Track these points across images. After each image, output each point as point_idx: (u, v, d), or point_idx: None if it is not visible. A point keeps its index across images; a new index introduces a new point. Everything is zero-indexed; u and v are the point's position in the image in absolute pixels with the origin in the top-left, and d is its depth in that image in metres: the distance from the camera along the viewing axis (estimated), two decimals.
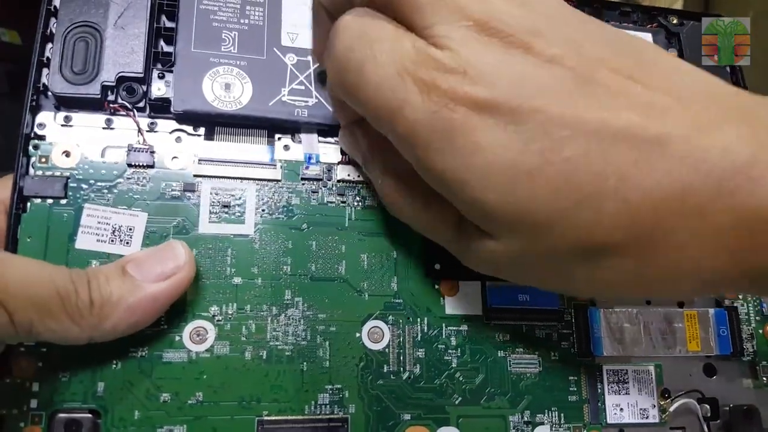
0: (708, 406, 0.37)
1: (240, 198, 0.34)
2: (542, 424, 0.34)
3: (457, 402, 0.34)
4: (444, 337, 0.35)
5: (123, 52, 0.34)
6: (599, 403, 0.36)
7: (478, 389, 0.34)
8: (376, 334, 0.34)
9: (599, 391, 0.36)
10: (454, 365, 0.34)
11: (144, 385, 0.31)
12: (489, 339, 0.35)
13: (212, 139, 0.35)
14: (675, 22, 0.42)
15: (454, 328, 0.35)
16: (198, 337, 0.32)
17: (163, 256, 0.30)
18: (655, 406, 0.36)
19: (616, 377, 0.36)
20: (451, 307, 0.35)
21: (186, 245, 0.31)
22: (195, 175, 0.34)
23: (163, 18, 0.36)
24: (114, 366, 0.31)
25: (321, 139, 0.36)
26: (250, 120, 0.35)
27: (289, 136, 0.36)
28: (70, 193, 0.32)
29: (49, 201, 0.32)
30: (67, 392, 0.30)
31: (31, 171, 0.33)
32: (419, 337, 0.34)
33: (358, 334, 0.34)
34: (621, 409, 0.36)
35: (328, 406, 0.33)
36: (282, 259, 0.34)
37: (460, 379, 0.34)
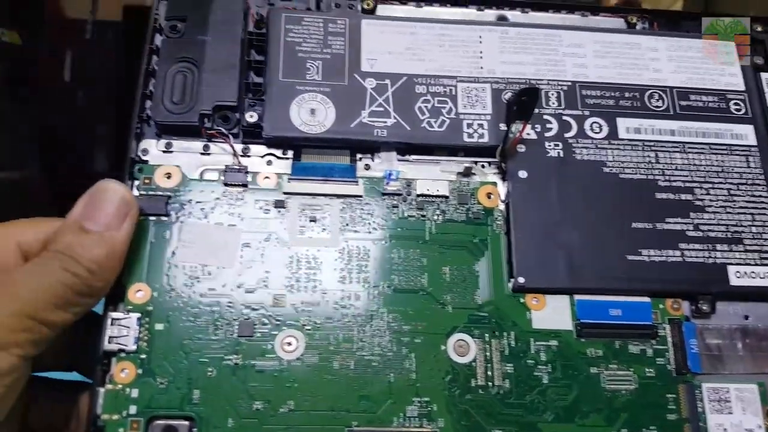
0: None
1: (325, 213, 0.36)
2: None
3: (550, 419, 0.33)
4: (533, 352, 0.34)
5: (218, 83, 0.37)
6: (700, 422, 0.33)
7: (571, 406, 0.33)
8: (461, 348, 0.34)
9: (700, 410, 0.34)
10: (545, 381, 0.33)
11: (238, 393, 0.31)
12: (580, 355, 0.34)
13: (300, 159, 0.37)
14: (760, 29, 0.42)
15: (543, 343, 0.34)
16: (289, 346, 0.33)
17: (105, 199, 0.31)
18: (761, 426, 0.33)
19: (717, 396, 0.34)
20: (538, 321, 0.35)
21: (117, 181, 0.32)
22: (285, 193, 0.36)
23: (253, 52, 0.39)
24: (209, 373, 0.32)
25: (399, 157, 0.37)
26: (333, 141, 0.37)
27: (370, 155, 0.38)
28: (171, 211, 0.34)
29: (152, 218, 0.34)
30: (164, 399, 0.31)
31: (135, 192, 0.35)
32: (507, 352, 0.34)
33: (443, 347, 0.34)
34: (725, 430, 0.33)
35: (416, 418, 0.32)
36: (365, 270, 0.35)
37: (552, 395, 0.33)
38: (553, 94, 0.39)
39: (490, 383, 0.33)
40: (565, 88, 0.39)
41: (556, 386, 0.33)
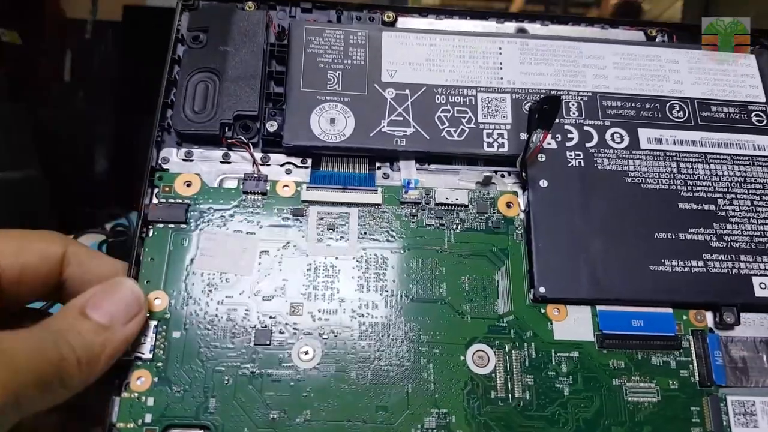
0: None
1: (344, 221, 0.35)
2: None
3: None
4: (554, 363, 0.33)
5: (239, 93, 0.37)
6: None
7: (593, 419, 0.32)
8: (481, 358, 0.33)
9: (725, 423, 0.33)
10: (566, 393, 0.33)
11: (254, 402, 0.31)
12: (602, 366, 0.33)
13: (319, 168, 0.37)
14: None
15: (565, 354, 0.34)
16: (306, 355, 0.32)
17: (117, 293, 0.29)
18: None
19: (742, 409, 0.33)
20: (560, 332, 0.34)
21: (134, 281, 0.31)
22: (303, 201, 0.36)
23: (274, 62, 0.39)
24: (226, 382, 0.31)
25: (418, 166, 0.37)
26: (353, 150, 0.37)
27: (388, 164, 0.37)
28: (191, 219, 0.35)
29: (171, 226, 0.34)
30: (180, 407, 0.31)
31: (155, 200, 0.35)
32: (527, 363, 0.33)
33: (462, 357, 0.33)
34: None
35: (434, 430, 0.31)
36: (383, 279, 0.34)
37: (573, 407, 0.33)
38: (573, 105, 0.38)
39: (510, 395, 0.33)
40: (585, 98, 0.39)
41: (577, 398, 0.33)
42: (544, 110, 0.34)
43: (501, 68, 0.39)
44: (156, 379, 0.31)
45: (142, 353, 0.32)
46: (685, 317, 0.35)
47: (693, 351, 0.34)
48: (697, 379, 0.33)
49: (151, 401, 0.31)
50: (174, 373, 0.31)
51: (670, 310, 0.35)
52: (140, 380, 0.31)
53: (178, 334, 0.32)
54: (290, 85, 0.38)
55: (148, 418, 0.30)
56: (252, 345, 0.32)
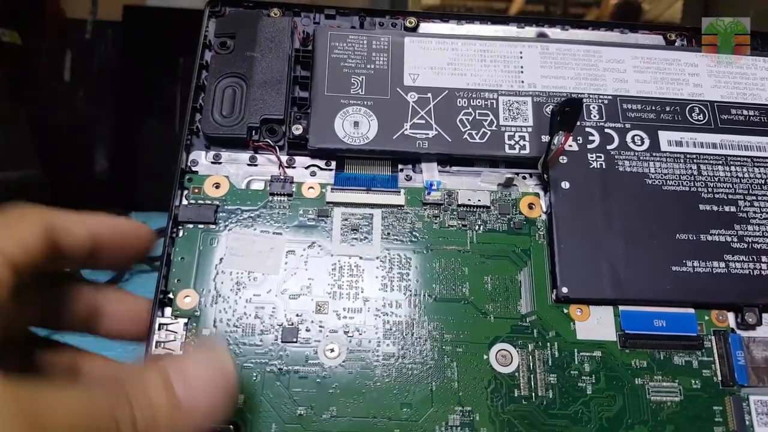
0: None
1: (367, 222, 0.36)
2: None
3: (594, 430, 0.32)
4: (577, 362, 0.34)
5: (265, 98, 0.38)
6: None
7: (615, 418, 0.33)
8: (504, 357, 0.34)
9: (747, 423, 0.33)
10: (589, 392, 0.33)
11: (281, 399, 0.32)
12: (625, 366, 0.34)
13: (343, 170, 0.38)
14: None
15: (587, 353, 0.34)
16: (331, 352, 0.33)
17: (211, 369, 0.25)
18: None
19: (765, 408, 0.33)
20: (582, 332, 0.34)
21: (230, 355, 0.28)
22: (328, 202, 0.36)
23: (299, 67, 0.40)
24: (254, 378, 0.32)
25: (440, 168, 0.38)
26: (376, 153, 0.38)
27: (411, 166, 0.38)
28: (219, 220, 0.35)
29: (201, 226, 0.35)
30: None
31: (185, 201, 0.36)
32: (550, 362, 0.34)
33: (485, 356, 0.33)
34: None
35: (459, 428, 0.32)
36: (407, 279, 0.35)
37: (596, 406, 0.33)
38: (594, 108, 0.39)
39: (533, 393, 0.33)
40: (606, 101, 0.39)
41: (600, 397, 0.33)
42: (565, 113, 0.34)
43: (522, 72, 0.40)
44: None
45: (173, 350, 0.32)
46: (707, 317, 0.35)
47: (715, 351, 0.34)
48: (720, 378, 0.34)
49: None
50: None
51: (692, 311, 0.35)
52: None
53: (208, 332, 0.33)
54: (315, 89, 0.39)
55: None
56: (279, 342, 0.33)
